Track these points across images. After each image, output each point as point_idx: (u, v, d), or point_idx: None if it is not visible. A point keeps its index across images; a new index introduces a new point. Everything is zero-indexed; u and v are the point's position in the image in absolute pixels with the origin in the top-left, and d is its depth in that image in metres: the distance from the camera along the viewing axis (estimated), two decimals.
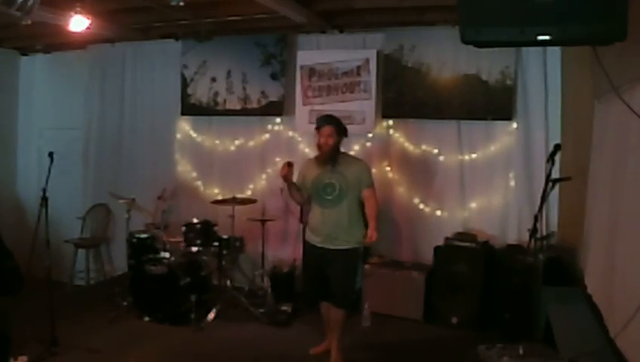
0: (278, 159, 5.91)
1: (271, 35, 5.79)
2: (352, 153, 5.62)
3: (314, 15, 5.22)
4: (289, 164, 4.00)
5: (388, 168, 5.54)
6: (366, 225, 4.03)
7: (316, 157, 4.11)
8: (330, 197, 4.00)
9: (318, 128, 4.06)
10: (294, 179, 4.11)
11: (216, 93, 6.07)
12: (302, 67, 5.68)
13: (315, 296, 4.20)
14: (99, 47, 6.51)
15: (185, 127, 6.32)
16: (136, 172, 6.43)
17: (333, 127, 4.00)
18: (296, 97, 5.74)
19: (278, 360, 4.28)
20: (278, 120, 5.89)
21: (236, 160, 6.07)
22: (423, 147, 5.40)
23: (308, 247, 4.20)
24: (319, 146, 4.04)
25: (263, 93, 5.86)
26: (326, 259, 4.01)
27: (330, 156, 4.01)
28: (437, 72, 5.20)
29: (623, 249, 3.04)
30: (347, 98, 5.53)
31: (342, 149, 4.18)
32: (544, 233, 4.14)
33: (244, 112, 5.94)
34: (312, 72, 5.65)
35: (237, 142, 6.07)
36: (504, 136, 5.12)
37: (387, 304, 5.08)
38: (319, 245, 4.05)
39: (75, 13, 4.56)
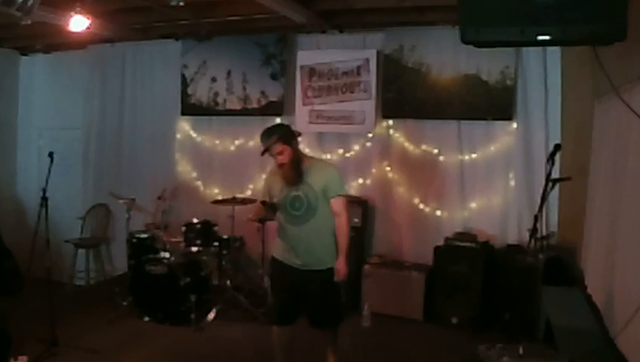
0: None
1: (271, 35, 5.79)
2: (351, 153, 5.66)
3: (314, 15, 5.22)
4: (263, 204, 3.44)
5: (388, 168, 5.54)
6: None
7: (282, 178, 3.43)
8: (298, 213, 3.37)
9: (264, 149, 3.37)
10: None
11: (216, 93, 6.07)
12: (302, 67, 5.68)
13: (289, 319, 3.55)
14: (99, 47, 6.51)
15: (185, 127, 6.32)
16: (136, 172, 6.44)
17: (279, 139, 3.32)
18: (296, 97, 5.74)
19: None
20: (278, 120, 5.87)
21: (236, 160, 6.06)
22: (423, 147, 5.40)
23: (277, 265, 3.55)
24: (279, 166, 3.39)
25: (262, 93, 5.86)
26: (301, 280, 3.44)
27: (295, 175, 3.35)
28: (437, 72, 5.20)
29: (623, 249, 3.04)
30: (347, 98, 5.53)
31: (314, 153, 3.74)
32: (544, 233, 4.14)
33: (244, 112, 5.94)
34: (312, 71, 5.65)
35: (237, 142, 6.07)
36: (504, 136, 5.12)
37: (387, 304, 5.08)
38: (293, 265, 3.46)
39: (75, 13, 4.56)
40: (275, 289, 3.70)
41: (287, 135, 3.38)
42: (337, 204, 3.41)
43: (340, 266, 3.37)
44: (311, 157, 3.63)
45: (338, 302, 3.55)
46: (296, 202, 3.36)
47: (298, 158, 3.38)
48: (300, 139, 3.53)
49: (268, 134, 3.38)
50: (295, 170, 3.35)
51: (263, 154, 3.40)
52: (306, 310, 3.54)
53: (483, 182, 5.21)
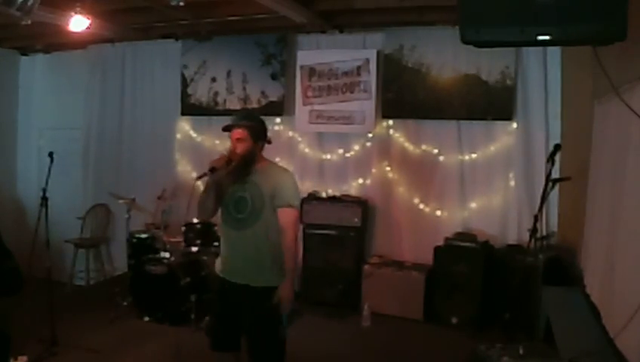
0: (278, 159, 5.91)
1: (271, 35, 5.79)
2: (351, 153, 5.66)
3: (314, 15, 5.22)
4: (229, 160, 2.96)
5: (388, 168, 5.54)
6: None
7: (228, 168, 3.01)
8: (241, 216, 2.93)
9: (228, 125, 3.02)
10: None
11: (216, 93, 6.07)
12: (302, 67, 5.68)
13: (221, 344, 3.03)
14: (99, 47, 6.51)
15: (185, 127, 6.32)
16: (136, 172, 6.44)
17: (248, 128, 2.96)
18: (296, 97, 5.74)
19: None
20: (278, 120, 5.89)
21: None
22: (423, 147, 5.40)
23: (217, 281, 3.10)
24: (231, 154, 2.98)
25: (263, 93, 5.87)
26: (237, 298, 2.93)
27: (240, 169, 2.95)
28: (437, 72, 5.20)
29: (623, 249, 3.04)
30: (347, 98, 5.52)
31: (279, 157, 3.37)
32: (544, 233, 4.14)
33: None
34: (312, 72, 5.65)
35: None
36: (504, 136, 5.12)
37: (387, 304, 5.08)
38: (229, 279, 2.98)
39: (75, 13, 4.56)
40: (212, 309, 3.23)
41: (258, 131, 3.02)
42: (284, 217, 2.92)
43: (284, 292, 2.86)
44: (271, 162, 3.16)
45: (274, 334, 2.92)
46: (241, 203, 2.94)
47: (252, 157, 2.98)
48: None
49: (243, 116, 3.10)
50: (243, 164, 2.95)
51: (224, 129, 3.02)
52: (239, 338, 2.98)
53: (483, 182, 5.21)
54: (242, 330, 2.96)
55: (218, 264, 3.10)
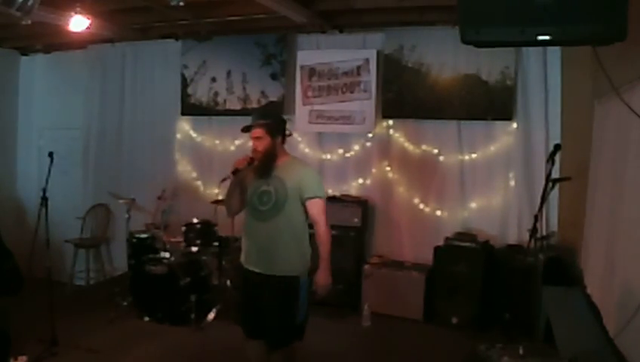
0: None
1: (271, 35, 5.79)
2: (351, 153, 5.66)
3: (314, 15, 5.22)
4: (251, 160, 3.17)
5: (388, 168, 5.54)
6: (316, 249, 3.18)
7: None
8: (264, 208, 3.12)
9: (246, 126, 3.21)
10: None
11: (216, 93, 6.07)
12: (302, 67, 5.68)
13: (250, 332, 3.24)
14: (99, 47, 6.51)
15: (185, 127, 6.32)
16: (136, 172, 6.44)
17: (264, 126, 3.13)
18: (296, 97, 5.74)
19: None
20: None
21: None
22: (423, 147, 5.40)
23: (241, 271, 3.34)
24: (253, 152, 3.19)
25: (262, 93, 5.87)
26: (260, 287, 3.13)
27: (263, 167, 3.14)
28: (437, 72, 5.20)
29: (623, 249, 3.05)
30: (347, 98, 5.53)
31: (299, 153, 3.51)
32: (544, 233, 4.14)
33: (244, 112, 5.91)
34: (312, 71, 5.65)
35: (237, 142, 6.07)
36: (504, 136, 5.12)
37: (387, 304, 5.08)
38: (252, 269, 3.19)
39: (75, 13, 4.56)
40: (241, 298, 3.41)
41: (275, 127, 3.16)
42: (314, 208, 3.11)
43: (320, 278, 3.08)
44: (292, 157, 3.32)
45: (289, 321, 3.10)
46: (265, 196, 3.12)
47: (273, 152, 3.14)
48: (287, 138, 3.26)
49: (259, 115, 3.26)
50: (265, 161, 3.13)
51: (243, 130, 3.20)
52: (264, 325, 3.14)
53: (483, 182, 5.21)
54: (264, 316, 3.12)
55: (243, 253, 3.31)
